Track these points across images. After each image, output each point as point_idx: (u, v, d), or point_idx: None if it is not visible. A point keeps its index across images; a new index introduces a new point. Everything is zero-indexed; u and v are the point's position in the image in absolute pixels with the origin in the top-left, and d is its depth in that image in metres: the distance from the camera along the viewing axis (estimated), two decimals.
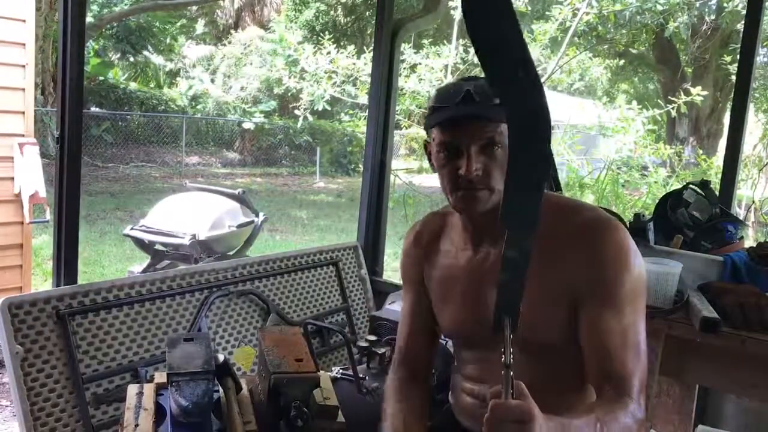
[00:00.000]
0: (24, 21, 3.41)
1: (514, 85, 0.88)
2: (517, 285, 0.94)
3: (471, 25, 0.86)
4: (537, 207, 0.92)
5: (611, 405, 1.06)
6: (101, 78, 12.81)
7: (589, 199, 6.05)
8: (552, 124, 0.94)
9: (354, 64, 6.58)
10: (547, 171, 0.93)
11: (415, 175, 11.45)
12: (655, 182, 6.31)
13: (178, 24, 16.49)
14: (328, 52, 6.67)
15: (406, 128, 10.38)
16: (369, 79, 3.56)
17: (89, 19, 10.94)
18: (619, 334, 1.12)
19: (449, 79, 6.18)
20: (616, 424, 1.02)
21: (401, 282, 1.46)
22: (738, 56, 2.33)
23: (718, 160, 7.11)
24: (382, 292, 2.74)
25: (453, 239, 1.32)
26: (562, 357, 1.20)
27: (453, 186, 1.18)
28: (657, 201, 2.27)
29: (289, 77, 7.33)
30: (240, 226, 4.40)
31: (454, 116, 1.15)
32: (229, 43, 15.75)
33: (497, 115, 1.12)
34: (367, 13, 14.92)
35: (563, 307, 1.17)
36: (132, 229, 4.32)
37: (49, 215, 3.57)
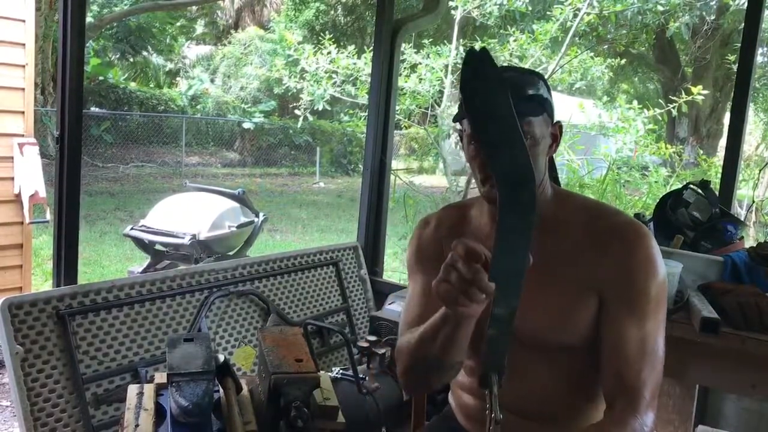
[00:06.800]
0: (24, 21, 3.41)
1: (504, 151, 0.96)
2: (503, 341, 0.97)
3: (466, 99, 0.97)
4: (523, 267, 0.96)
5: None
6: (101, 78, 12.79)
7: None
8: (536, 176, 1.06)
9: (354, 64, 6.56)
10: (531, 230, 0.96)
11: (415, 175, 11.45)
12: (656, 182, 6.31)
13: (178, 24, 16.49)
14: (329, 52, 6.66)
15: (406, 128, 10.37)
16: (369, 79, 3.56)
17: (89, 19, 10.93)
18: (639, 341, 1.13)
19: (450, 79, 6.16)
20: None
21: (407, 272, 1.36)
22: (738, 56, 2.33)
23: (719, 160, 7.11)
24: (382, 292, 2.75)
25: (481, 227, 1.26)
26: (576, 358, 1.20)
27: (483, 179, 1.16)
28: (657, 201, 2.27)
29: (289, 77, 7.30)
30: (240, 226, 4.40)
31: None
32: (229, 43, 15.75)
33: (527, 108, 1.12)
34: (367, 13, 14.91)
35: (586, 307, 1.16)
36: (132, 229, 4.32)
37: (49, 215, 3.56)
